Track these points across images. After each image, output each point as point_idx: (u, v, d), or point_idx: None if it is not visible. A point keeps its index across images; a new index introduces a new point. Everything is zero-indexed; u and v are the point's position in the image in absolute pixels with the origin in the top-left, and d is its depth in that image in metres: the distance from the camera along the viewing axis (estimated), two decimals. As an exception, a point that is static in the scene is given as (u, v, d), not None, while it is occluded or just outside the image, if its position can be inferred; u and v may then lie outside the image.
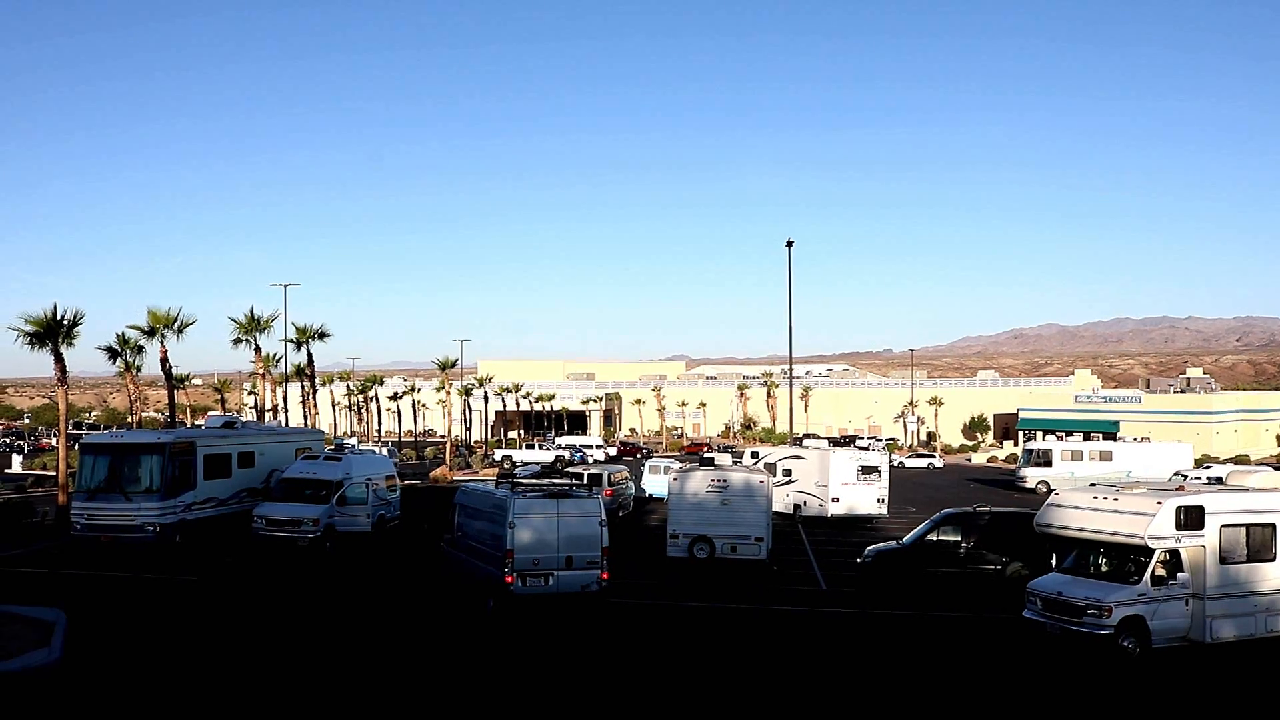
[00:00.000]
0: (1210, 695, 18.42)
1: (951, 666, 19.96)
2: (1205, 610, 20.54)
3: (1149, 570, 20.30)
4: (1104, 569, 21.18)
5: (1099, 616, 19.89)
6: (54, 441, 79.90)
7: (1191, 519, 20.63)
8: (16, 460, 74.35)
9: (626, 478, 47.30)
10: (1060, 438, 71.61)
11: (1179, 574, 20.54)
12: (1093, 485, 22.91)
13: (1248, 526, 21.31)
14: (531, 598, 23.17)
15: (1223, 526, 20.93)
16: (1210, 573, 20.68)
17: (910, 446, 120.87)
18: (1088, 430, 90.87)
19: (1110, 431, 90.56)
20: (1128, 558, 20.83)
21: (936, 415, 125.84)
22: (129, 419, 71.57)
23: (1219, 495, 21.74)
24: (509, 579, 22.87)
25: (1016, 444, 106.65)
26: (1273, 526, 21.60)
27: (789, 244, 57.91)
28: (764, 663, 19.93)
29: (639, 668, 19.39)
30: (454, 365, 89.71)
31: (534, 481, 25.97)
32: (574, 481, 25.89)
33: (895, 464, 77.25)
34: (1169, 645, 20.47)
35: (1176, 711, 17.58)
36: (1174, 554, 20.57)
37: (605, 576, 23.62)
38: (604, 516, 23.93)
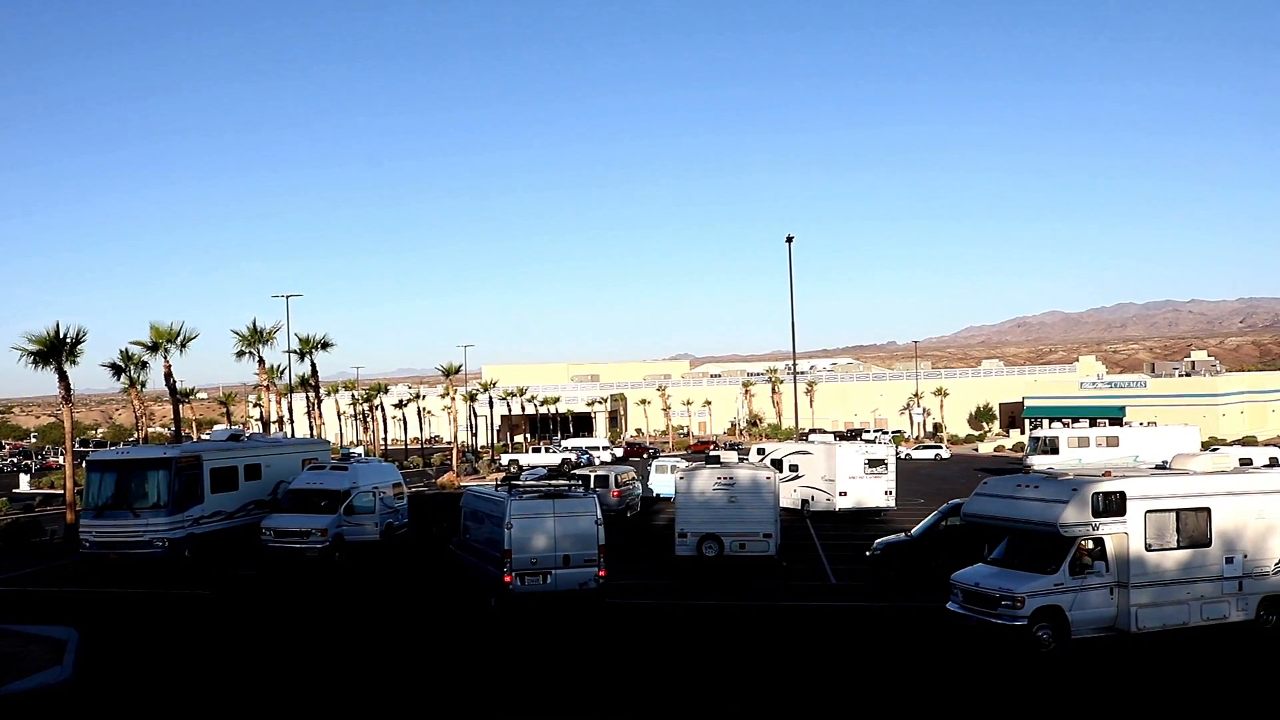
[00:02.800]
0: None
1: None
2: (1130, 599, 19.94)
3: (1067, 559, 19.86)
4: (1027, 559, 20.65)
5: (1012, 607, 19.48)
6: (61, 460, 79.98)
7: (1111, 505, 20.02)
8: (24, 480, 74.43)
9: (633, 478, 47.28)
10: (1066, 424, 71.52)
11: (1100, 562, 20.04)
12: (1023, 473, 22.26)
13: (1178, 512, 20.59)
14: (530, 596, 23.78)
15: (1148, 512, 20.25)
16: (1135, 560, 20.05)
17: (917, 438, 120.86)
18: (1094, 416, 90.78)
19: (1116, 417, 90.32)
20: (1047, 546, 20.29)
21: (942, 406, 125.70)
22: (134, 435, 71.68)
23: (1145, 480, 20.85)
24: (507, 578, 23.52)
25: (1023, 432, 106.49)
26: (1208, 511, 20.84)
27: (789, 239, 57.87)
28: (775, 658, 19.90)
29: (647, 667, 19.37)
30: (458, 371, 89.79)
31: (531, 483, 26.43)
32: (572, 482, 26.27)
33: (902, 456, 77.12)
34: (1093, 636, 19.98)
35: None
36: (1097, 542, 20.04)
37: (603, 574, 24.18)
38: (600, 516, 24.50)
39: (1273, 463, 42.80)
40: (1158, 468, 24.95)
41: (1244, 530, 21.11)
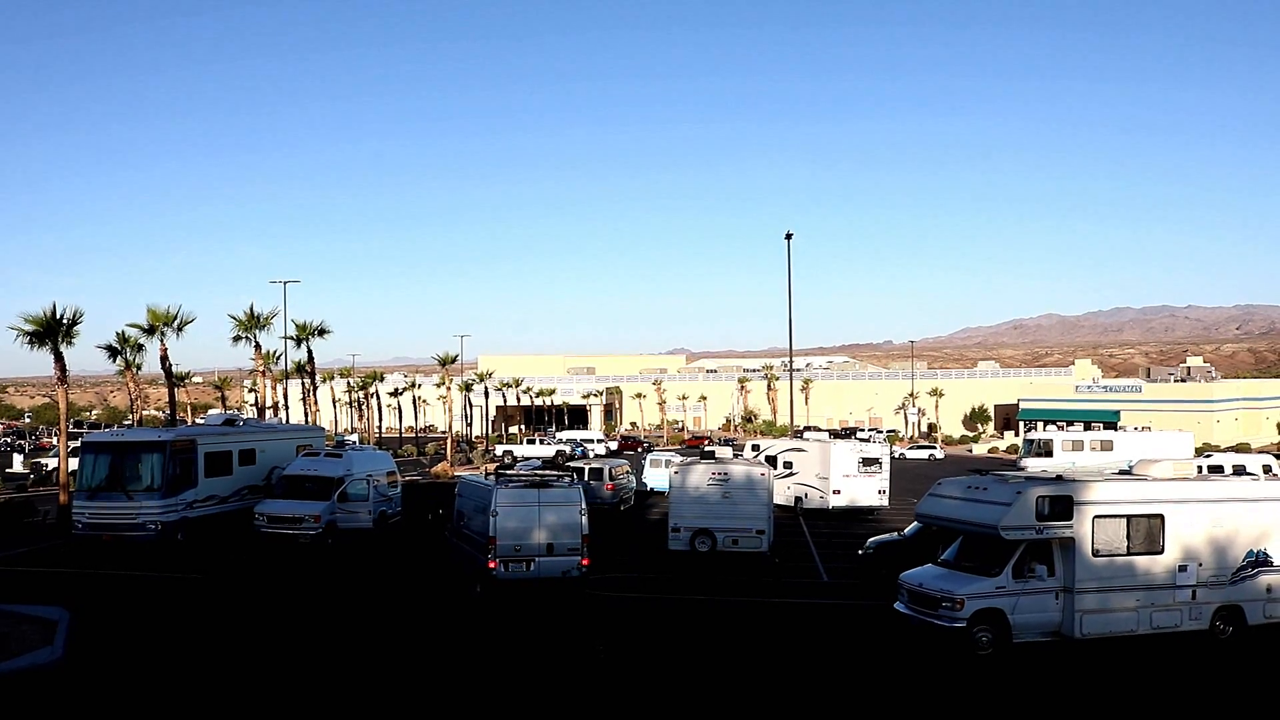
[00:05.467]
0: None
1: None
2: (1075, 604, 19.77)
3: (1011, 562, 19.75)
4: (974, 561, 20.57)
5: (952, 609, 19.42)
6: (55, 441, 79.87)
7: (1057, 509, 19.86)
8: (17, 460, 74.33)
9: (628, 471, 47.31)
10: (1061, 428, 71.51)
11: (1043, 566, 19.91)
12: (974, 474, 22.21)
13: (1129, 518, 20.37)
14: (513, 583, 24.38)
15: (1096, 518, 20.06)
16: (1081, 566, 19.88)
17: (911, 438, 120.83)
18: (1089, 420, 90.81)
19: (1111, 421, 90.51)
20: (992, 549, 20.18)
21: (937, 406, 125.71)
22: (129, 417, 71.61)
23: (1095, 485, 20.63)
24: (492, 564, 24.21)
25: (1017, 434, 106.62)
26: (1160, 518, 20.57)
27: (788, 236, 57.87)
28: (753, 654, 19.95)
29: (627, 658, 19.41)
30: (454, 361, 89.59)
31: (518, 473, 26.94)
32: (560, 473, 26.66)
33: (896, 455, 77.13)
34: (1037, 640, 19.83)
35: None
36: (1042, 545, 19.89)
37: (586, 563, 24.71)
38: (584, 506, 25.03)
39: (1266, 470, 42.91)
40: (1121, 473, 24.86)
41: (1200, 539, 20.87)
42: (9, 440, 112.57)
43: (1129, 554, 20.33)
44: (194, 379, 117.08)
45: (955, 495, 21.70)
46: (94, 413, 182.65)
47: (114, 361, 50.51)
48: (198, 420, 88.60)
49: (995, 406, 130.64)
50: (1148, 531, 20.52)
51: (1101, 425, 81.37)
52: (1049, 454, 63.73)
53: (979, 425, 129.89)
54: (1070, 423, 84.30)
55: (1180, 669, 19.28)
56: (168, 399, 53.42)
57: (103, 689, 17.12)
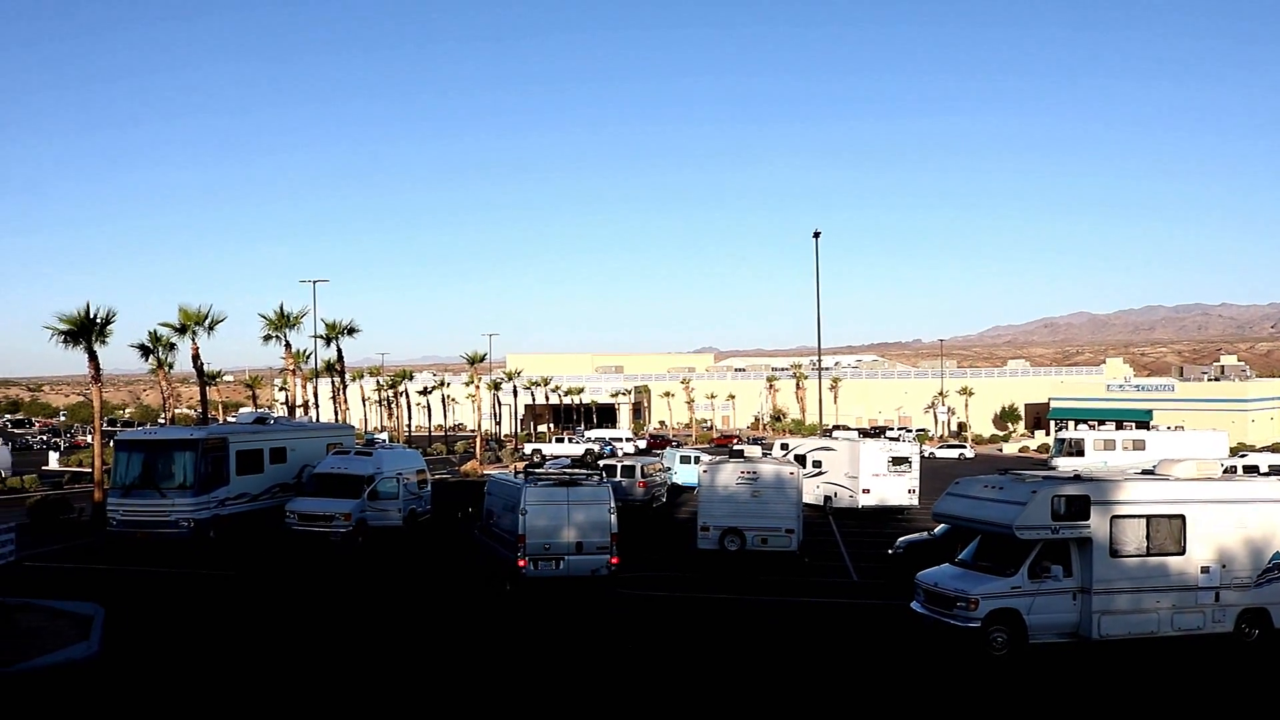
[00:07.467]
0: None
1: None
2: (1093, 605, 19.55)
3: (1027, 562, 19.56)
4: (990, 561, 20.38)
5: (966, 609, 19.25)
6: (89, 438, 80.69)
7: (1074, 509, 19.67)
8: (53, 457, 75.12)
9: (661, 469, 47.34)
10: (1093, 427, 70.98)
11: (1060, 567, 19.71)
12: (1004, 473, 22.03)
13: (1149, 518, 20.13)
14: (543, 581, 24.54)
15: (1114, 518, 19.87)
16: (1099, 566, 19.67)
17: (941, 437, 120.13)
18: (1120, 419, 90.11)
19: (1144, 420, 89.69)
20: (1008, 549, 19.98)
21: (967, 405, 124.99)
22: (162, 416, 72.22)
23: (1112, 484, 20.40)
24: (521, 563, 24.39)
25: (1048, 434, 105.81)
26: (1182, 519, 20.30)
27: (816, 235, 57.62)
28: (787, 653, 19.88)
29: (654, 657, 19.38)
30: (483, 359, 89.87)
31: (546, 472, 27.09)
32: (589, 471, 26.87)
33: (926, 455, 76.71)
34: (1054, 640, 19.62)
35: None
36: (1058, 545, 19.70)
37: (615, 561, 24.82)
38: (613, 505, 25.11)
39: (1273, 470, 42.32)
40: (1143, 473, 24.56)
41: (1223, 540, 20.58)
42: (45, 438, 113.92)
43: (1149, 555, 20.10)
44: (225, 378, 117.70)
45: (972, 494, 21.55)
46: (127, 411, 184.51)
47: (146, 360, 50.90)
48: (229, 419, 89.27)
49: (1025, 405, 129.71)
50: (1169, 532, 20.28)
51: (1134, 425, 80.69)
52: (1080, 453, 63.24)
53: (1009, 424, 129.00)
54: (1102, 422, 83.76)
55: (1203, 672, 19.03)
56: (199, 397, 53.82)
57: (137, 683, 17.26)
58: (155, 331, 49.50)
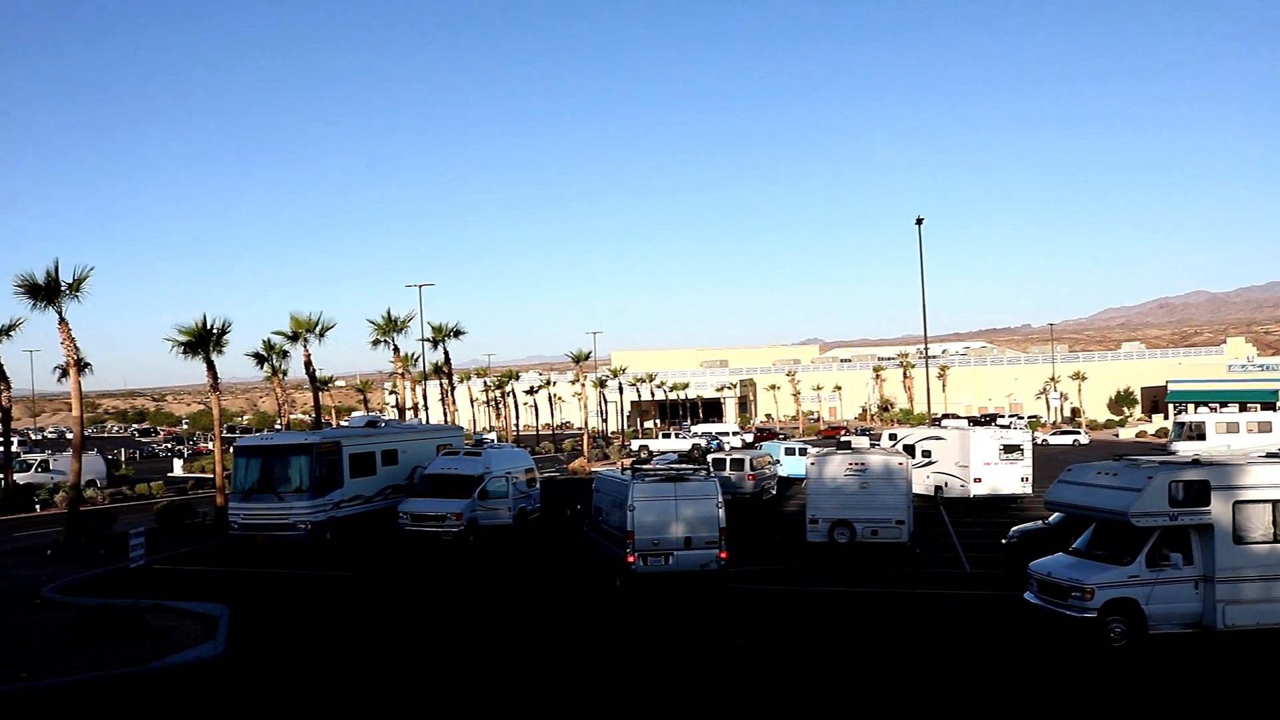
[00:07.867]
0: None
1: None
2: (1216, 594, 18.77)
3: (1144, 550, 18.89)
4: (1106, 549, 19.72)
5: (1081, 599, 18.70)
6: (211, 445, 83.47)
7: (1193, 495, 18.90)
8: (178, 464, 77.92)
9: (770, 462, 47.10)
10: (1214, 409, 68.45)
11: (1179, 554, 18.95)
12: (1118, 459, 21.24)
13: (1275, 503, 19.26)
14: (652, 576, 24.54)
15: (1237, 503, 19.02)
16: (1223, 553, 18.86)
17: (1053, 423, 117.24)
18: (1244, 400, 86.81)
19: (1269, 401, 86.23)
20: (1124, 537, 19.31)
21: (1080, 390, 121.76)
22: (278, 422, 74.35)
23: (1234, 468, 19.55)
24: (630, 559, 24.37)
25: (1166, 417, 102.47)
26: None
27: (919, 221, 56.74)
28: (900, 645, 19.56)
29: (768, 652, 19.25)
30: (588, 357, 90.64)
31: (653, 467, 26.93)
32: (696, 466, 26.75)
33: (1038, 442, 74.95)
34: (1175, 631, 18.91)
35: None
36: (1177, 532, 18.98)
37: (724, 556, 24.71)
38: (721, 499, 24.94)
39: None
40: (1269, 455, 23.59)
41: None
42: (169, 446, 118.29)
43: (1277, 541, 19.30)
44: (337, 383, 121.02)
45: (1085, 481, 20.94)
46: (245, 418, 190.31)
47: (261, 368, 52.46)
48: (342, 423, 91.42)
49: (1142, 389, 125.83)
50: None
51: (1259, 406, 77.58)
52: (1202, 437, 61.04)
53: (1125, 409, 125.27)
54: (1224, 404, 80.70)
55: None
56: (313, 403, 55.26)
57: (264, 682, 17.77)
58: (269, 340, 51.05)
